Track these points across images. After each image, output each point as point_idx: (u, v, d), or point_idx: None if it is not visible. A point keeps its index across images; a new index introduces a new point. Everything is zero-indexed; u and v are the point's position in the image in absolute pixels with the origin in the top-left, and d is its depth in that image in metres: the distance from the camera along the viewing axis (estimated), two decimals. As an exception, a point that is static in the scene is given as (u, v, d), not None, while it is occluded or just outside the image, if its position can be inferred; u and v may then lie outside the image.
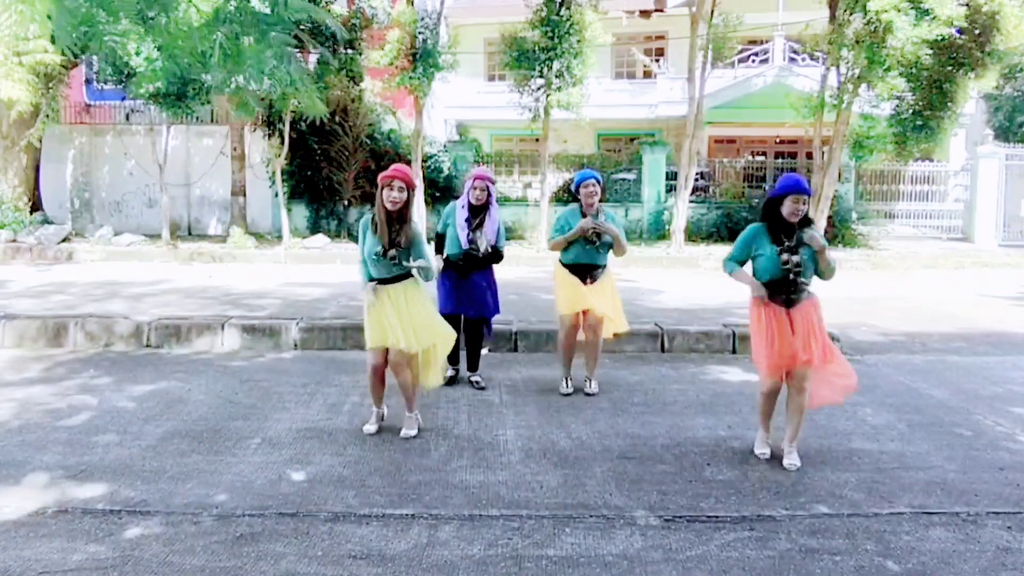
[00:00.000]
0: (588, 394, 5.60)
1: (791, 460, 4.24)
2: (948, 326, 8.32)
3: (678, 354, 6.96)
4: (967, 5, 12.40)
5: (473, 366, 5.85)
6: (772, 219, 4.20)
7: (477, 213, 5.47)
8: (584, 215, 5.40)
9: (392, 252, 4.44)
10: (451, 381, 5.71)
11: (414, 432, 4.66)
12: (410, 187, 4.46)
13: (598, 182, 5.43)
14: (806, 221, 4.21)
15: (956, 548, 3.32)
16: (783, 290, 4.18)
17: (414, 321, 4.53)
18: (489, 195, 5.46)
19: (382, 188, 4.43)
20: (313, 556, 3.17)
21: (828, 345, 4.26)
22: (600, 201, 5.46)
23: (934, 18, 11.94)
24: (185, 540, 3.29)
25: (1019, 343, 7.58)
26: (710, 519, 3.57)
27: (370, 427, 4.73)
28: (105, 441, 4.46)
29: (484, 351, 6.67)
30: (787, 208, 4.11)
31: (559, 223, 5.48)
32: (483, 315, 5.70)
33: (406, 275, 4.55)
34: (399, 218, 4.46)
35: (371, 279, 4.57)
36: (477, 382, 5.78)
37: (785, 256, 4.12)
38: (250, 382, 5.81)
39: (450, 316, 5.42)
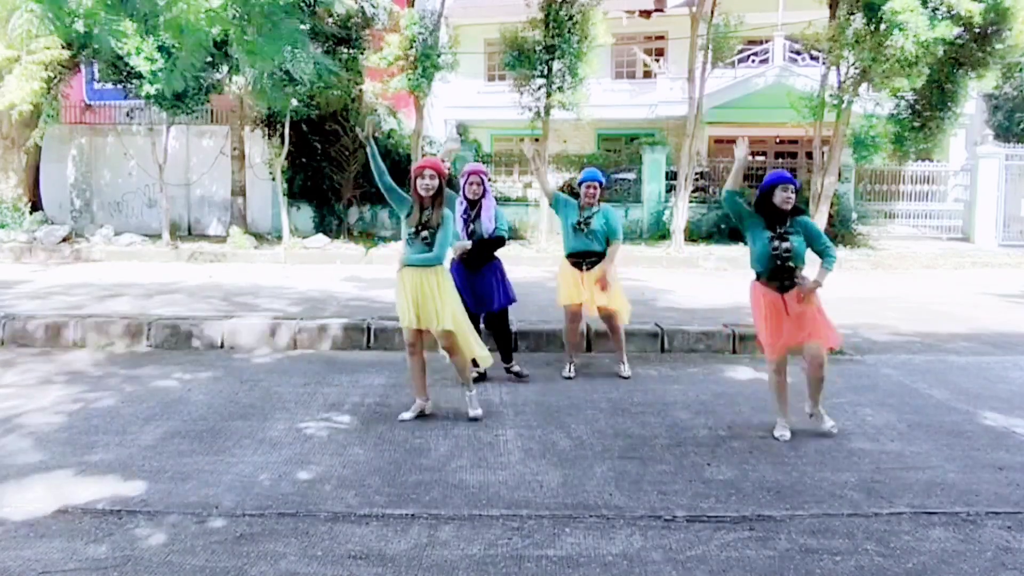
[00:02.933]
0: (623, 376, 6.06)
1: (827, 425, 4.67)
2: (948, 326, 8.32)
3: (678, 354, 6.96)
4: (983, 1, 12.30)
5: (507, 357, 6.00)
6: (765, 210, 4.55)
7: (474, 205, 5.75)
8: (581, 208, 5.93)
9: (424, 233, 4.83)
10: (478, 379, 5.76)
11: (480, 412, 4.98)
12: (441, 175, 4.90)
13: (601, 184, 5.96)
14: (796, 211, 4.55)
15: (956, 548, 3.32)
16: (777, 276, 4.53)
17: (448, 301, 4.88)
18: (484, 187, 5.75)
19: (415, 178, 4.87)
20: (313, 556, 3.17)
21: (829, 324, 4.62)
22: (600, 200, 5.99)
23: (947, 17, 11.90)
24: (185, 540, 3.29)
25: (1019, 343, 7.58)
26: (710, 519, 3.57)
27: (407, 415, 5.00)
28: (105, 441, 4.46)
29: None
30: (778, 197, 4.49)
31: (564, 201, 6.02)
32: (493, 308, 5.86)
33: (436, 262, 4.91)
34: (432, 203, 4.87)
35: (406, 264, 4.91)
36: (519, 372, 5.98)
37: (776, 243, 4.46)
38: (250, 382, 5.81)
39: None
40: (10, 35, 10.69)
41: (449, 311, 4.84)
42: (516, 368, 5.99)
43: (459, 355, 4.97)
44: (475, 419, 4.92)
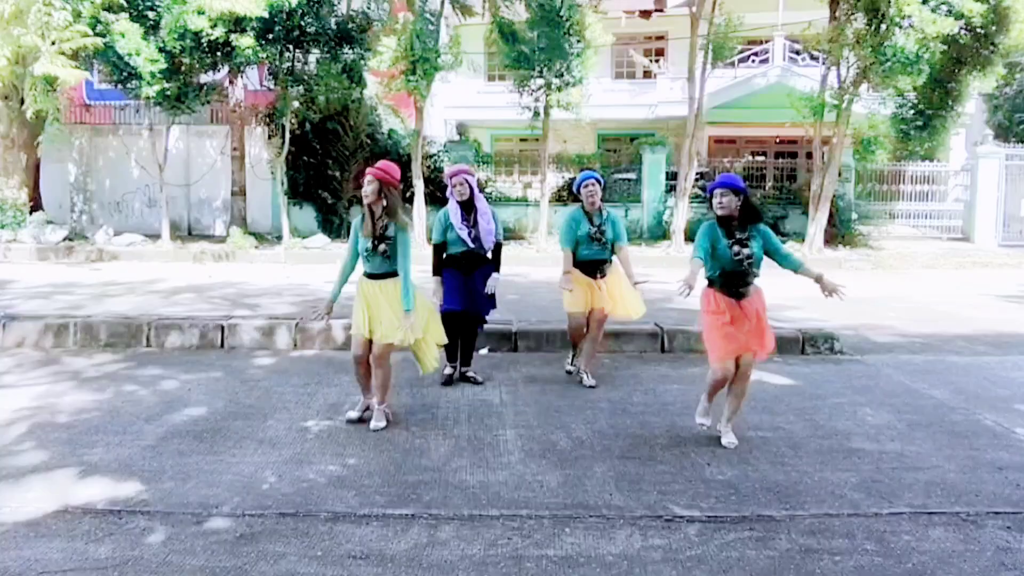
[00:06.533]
0: (589, 386, 5.73)
1: (729, 439, 4.55)
2: (948, 326, 8.32)
3: (678, 354, 6.96)
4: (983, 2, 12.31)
5: (466, 361, 5.89)
6: (718, 216, 4.51)
7: (468, 208, 5.51)
8: (587, 213, 5.65)
9: (382, 247, 4.60)
10: (448, 381, 5.76)
11: (383, 424, 4.77)
12: (380, 180, 4.58)
13: (598, 182, 5.68)
14: (754, 215, 4.48)
15: (956, 548, 3.32)
16: (735, 282, 4.47)
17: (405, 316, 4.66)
18: (471, 187, 5.49)
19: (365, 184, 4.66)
20: (313, 556, 3.17)
21: (771, 334, 4.63)
22: (601, 200, 5.72)
23: (947, 14, 11.92)
24: (185, 540, 3.29)
25: (1019, 343, 7.57)
26: (710, 519, 3.57)
27: (352, 413, 4.89)
28: (105, 441, 4.46)
29: (484, 351, 6.68)
30: (714, 202, 4.46)
31: (568, 226, 5.70)
32: (484, 312, 5.74)
33: (395, 272, 4.69)
34: (384, 212, 4.61)
35: (366, 274, 4.76)
36: (473, 376, 5.84)
37: (736, 248, 4.41)
38: (250, 382, 5.81)
39: (452, 314, 5.46)
40: (31, 27, 10.95)
41: (406, 324, 4.63)
42: (472, 373, 5.86)
43: (384, 369, 4.77)
44: (375, 431, 4.70)
